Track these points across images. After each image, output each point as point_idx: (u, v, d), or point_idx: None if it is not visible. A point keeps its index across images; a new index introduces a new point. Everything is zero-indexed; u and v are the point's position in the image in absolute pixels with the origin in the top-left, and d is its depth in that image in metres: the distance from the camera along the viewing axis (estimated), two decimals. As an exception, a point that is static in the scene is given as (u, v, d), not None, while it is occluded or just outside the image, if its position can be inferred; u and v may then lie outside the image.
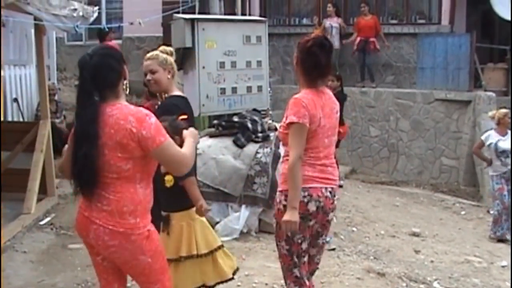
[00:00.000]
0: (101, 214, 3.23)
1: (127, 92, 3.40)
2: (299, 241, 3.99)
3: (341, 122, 10.40)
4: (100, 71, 3.22)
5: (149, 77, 4.53)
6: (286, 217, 3.76)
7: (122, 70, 3.34)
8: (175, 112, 4.12)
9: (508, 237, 8.58)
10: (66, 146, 3.48)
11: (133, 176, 3.25)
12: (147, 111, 3.28)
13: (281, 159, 4.43)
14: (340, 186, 10.47)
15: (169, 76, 4.54)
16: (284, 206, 3.88)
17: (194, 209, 4.23)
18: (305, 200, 3.90)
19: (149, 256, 3.33)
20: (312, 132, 3.87)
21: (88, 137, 3.17)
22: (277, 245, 4.09)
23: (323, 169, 3.98)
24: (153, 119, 3.23)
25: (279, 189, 4.02)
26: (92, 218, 3.24)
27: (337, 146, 10.63)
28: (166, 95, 4.58)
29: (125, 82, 3.37)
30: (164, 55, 4.56)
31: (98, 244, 3.28)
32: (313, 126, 3.86)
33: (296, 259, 4.00)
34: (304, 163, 3.89)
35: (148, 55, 4.61)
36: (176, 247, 4.24)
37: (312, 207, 3.90)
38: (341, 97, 10.42)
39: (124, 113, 3.20)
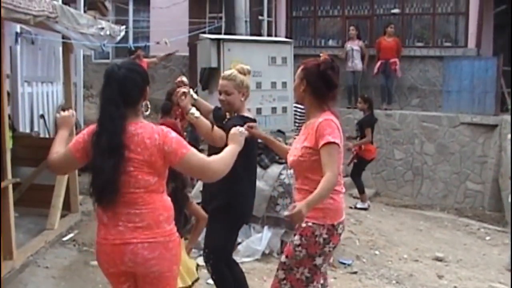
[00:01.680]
0: (137, 232, 3.20)
1: (147, 112, 3.40)
2: (324, 270, 3.98)
3: (371, 142, 10.48)
4: (125, 84, 3.22)
5: (222, 97, 4.51)
6: (303, 210, 3.45)
7: (145, 89, 3.34)
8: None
9: None
10: (60, 137, 3.45)
11: (159, 187, 3.28)
12: (166, 127, 3.31)
13: (295, 188, 4.05)
14: (365, 209, 10.44)
15: (242, 99, 4.52)
16: (324, 239, 3.82)
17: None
18: (341, 231, 3.91)
19: (178, 265, 3.40)
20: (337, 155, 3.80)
21: (118, 149, 3.14)
22: (291, 269, 3.92)
23: (342, 197, 3.95)
24: (173, 133, 3.26)
25: (316, 221, 3.82)
26: (126, 240, 3.20)
27: (364, 169, 10.76)
28: (235, 114, 4.57)
29: (145, 103, 3.36)
30: (241, 77, 4.51)
31: (136, 263, 3.21)
32: (339, 150, 3.82)
33: (311, 285, 3.94)
34: (338, 192, 3.86)
35: (226, 74, 4.57)
36: None
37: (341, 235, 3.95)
38: (371, 120, 10.46)
39: (149, 132, 3.22)
